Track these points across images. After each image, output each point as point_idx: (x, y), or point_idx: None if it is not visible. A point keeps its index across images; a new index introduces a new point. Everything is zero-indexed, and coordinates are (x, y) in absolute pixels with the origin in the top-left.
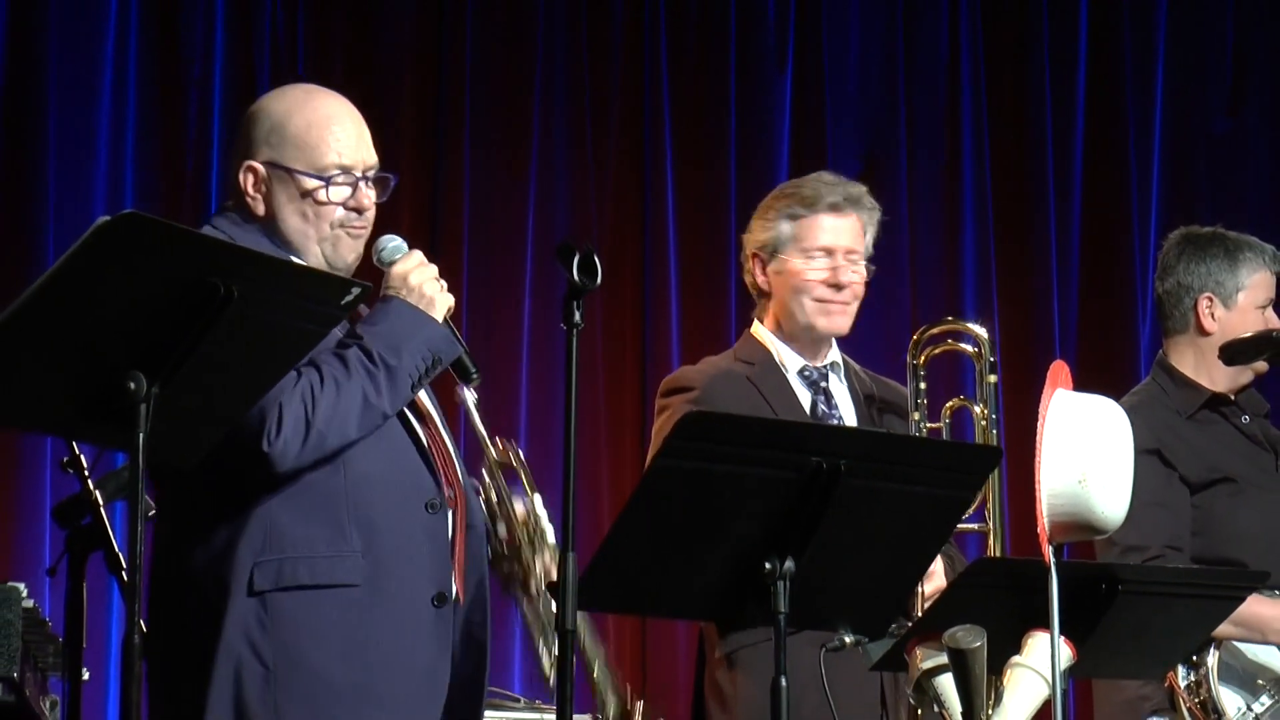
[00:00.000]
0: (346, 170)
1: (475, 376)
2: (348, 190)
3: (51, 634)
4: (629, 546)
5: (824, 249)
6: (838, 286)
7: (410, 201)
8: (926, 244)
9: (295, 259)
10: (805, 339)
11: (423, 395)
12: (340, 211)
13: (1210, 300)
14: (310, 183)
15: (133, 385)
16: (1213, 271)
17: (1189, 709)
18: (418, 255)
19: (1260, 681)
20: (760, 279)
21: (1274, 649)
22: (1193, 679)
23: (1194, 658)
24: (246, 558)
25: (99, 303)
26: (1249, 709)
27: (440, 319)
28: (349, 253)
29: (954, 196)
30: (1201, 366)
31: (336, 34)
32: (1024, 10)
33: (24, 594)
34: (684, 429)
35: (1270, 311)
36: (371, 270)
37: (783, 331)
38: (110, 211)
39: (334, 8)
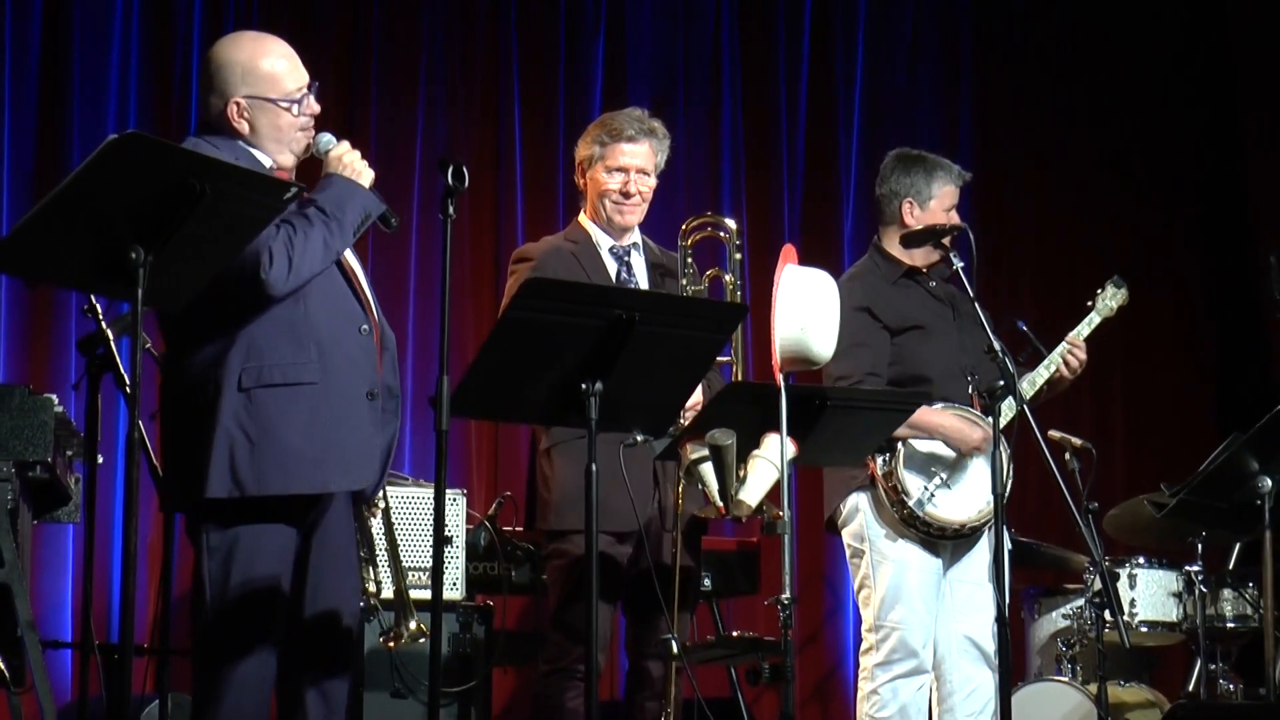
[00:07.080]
0: (302, 90)
1: (394, 223)
2: (305, 105)
3: (75, 430)
4: (487, 372)
5: (620, 168)
6: (626, 195)
7: (333, 115)
8: (697, 165)
9: (259, 155)
10: (610, 227)
11: (348, 254)
12: (302, 119)
13: (910, 203)
14: (284, 106)
15: (134, 255)
16: (914, 183)
17: (885, 490)
18: (346, 144)
19: (933, 469)
20: (581, 182)
21: (940, 445)
22: (886, 468)
23: (887, 453)
24: (235, 364)
25: (109, 196)
26: (926, 488)
27: (367, 186)
28: (300, 146)
29: (715, 132)
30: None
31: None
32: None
33: (55, 402)
34: (527, 289)
35: (954, 213)
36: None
37: (597, 220)
38: (119, 131)
39: None
